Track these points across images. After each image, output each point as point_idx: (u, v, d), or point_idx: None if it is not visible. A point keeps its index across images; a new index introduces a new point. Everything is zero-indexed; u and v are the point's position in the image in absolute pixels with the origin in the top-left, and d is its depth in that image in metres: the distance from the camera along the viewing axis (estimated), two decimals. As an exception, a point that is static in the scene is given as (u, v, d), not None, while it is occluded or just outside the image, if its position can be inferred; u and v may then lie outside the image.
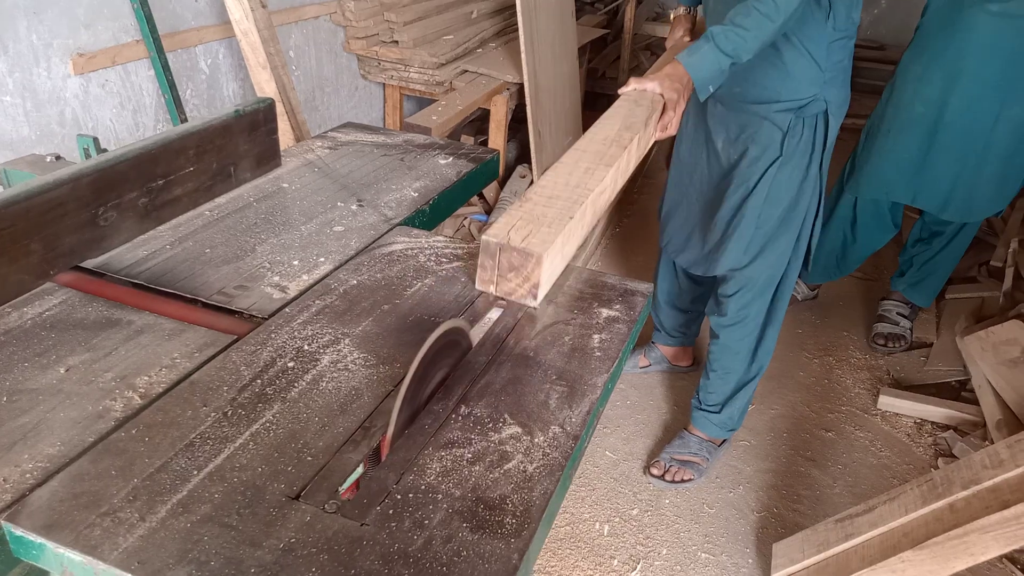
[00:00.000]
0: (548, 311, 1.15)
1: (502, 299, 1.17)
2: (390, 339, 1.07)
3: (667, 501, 2.23)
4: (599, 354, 1.06)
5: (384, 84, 3.57)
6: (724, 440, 2.37)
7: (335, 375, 0.99)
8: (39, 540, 0.75)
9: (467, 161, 1.69)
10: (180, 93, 2.50)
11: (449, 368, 1.00)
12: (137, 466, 0.83)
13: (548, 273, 1.16)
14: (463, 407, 0.94)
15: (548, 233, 1.15)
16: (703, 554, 2.08)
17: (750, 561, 2.06)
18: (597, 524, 2.14)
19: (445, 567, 0.73)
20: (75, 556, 0.74)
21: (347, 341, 1.06)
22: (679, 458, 2.28)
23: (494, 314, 1.13)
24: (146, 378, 0.97)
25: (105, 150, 1.23)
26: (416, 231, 1.37)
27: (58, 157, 1.36)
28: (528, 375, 1.01)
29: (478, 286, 1.19)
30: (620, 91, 1.75)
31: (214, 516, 0.77)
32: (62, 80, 2.21)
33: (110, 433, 0.88)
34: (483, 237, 1.14)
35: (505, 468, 0.85)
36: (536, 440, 0.90)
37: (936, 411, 2.53)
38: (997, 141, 2.45)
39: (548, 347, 1.07)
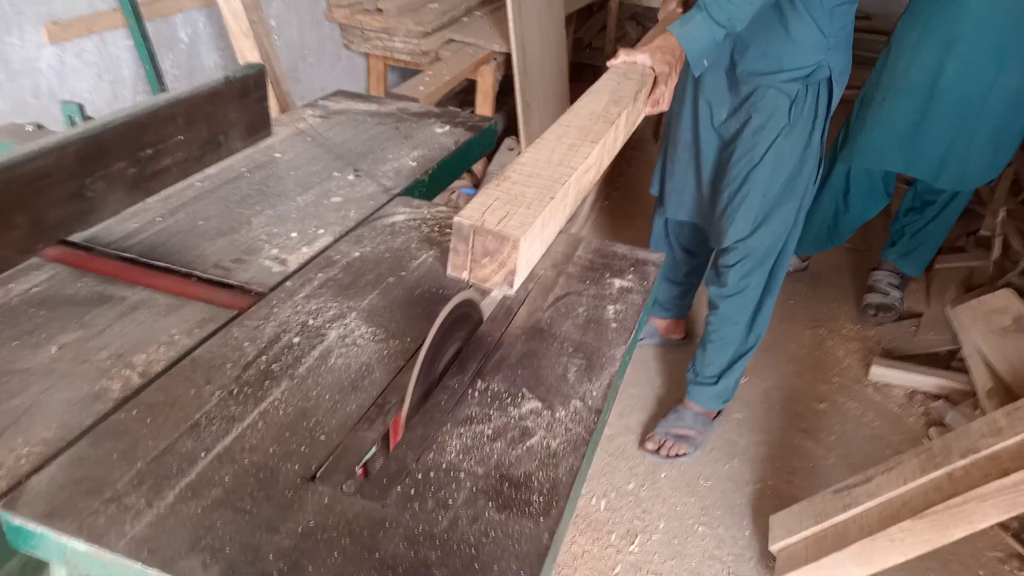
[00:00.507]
0: (560, 282, 1.12)
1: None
2: (398, 313, 1.03)
3: (663, 475, 2.23)
4: (615, 326, 1.02)
5: (368, 54, 3.48)
6: (719, 412, 2.36)
7: (344, 350, 0.95)
8: (39, 529, 0.71)
9: (464, 130, 1.64)
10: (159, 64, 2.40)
11: (461, 342, 0.97)
12: (140, 448, 0.79)
13: (526, 259, 1.07)
14: (479, 382, 0.91)
15: (526, 215, 1.06)
16: (700, 527, 2.08)
17: (747, 533, 2.06)
18: (594, 499, 2.13)
19: (473, 548, 0.70)
20: (79, 546, 0.69)
21: (353, 315, 1.01)
22: (675, 432, 2.27)
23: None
24: (144, 356, 0.92)
25: (90, 118, 1.16)
26: (417, 201, 1.33)
27: (39, 126, 1.29)
28: (544, 348, 0.97)
29: (450, 272, 1.10)
30: (609, 64, 1.67)
31: (226, 500, 0.73)
32: (36, 49, 2.11)
33: (109, 414, 0.83)
34: (456, 219, 1.05)
35: (528, 444, 0.82)
36: (557, 415, 0.86)
37: (927, 381, 2.54)
38: (991, 109, 2.44)
39: (562, 319, 1.03)
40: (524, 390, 0.90)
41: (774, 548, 1.93)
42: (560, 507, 0.74)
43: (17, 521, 0.71)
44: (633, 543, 2.02)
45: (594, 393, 0.90)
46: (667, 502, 2.14)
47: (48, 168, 1.06)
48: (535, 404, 0.88)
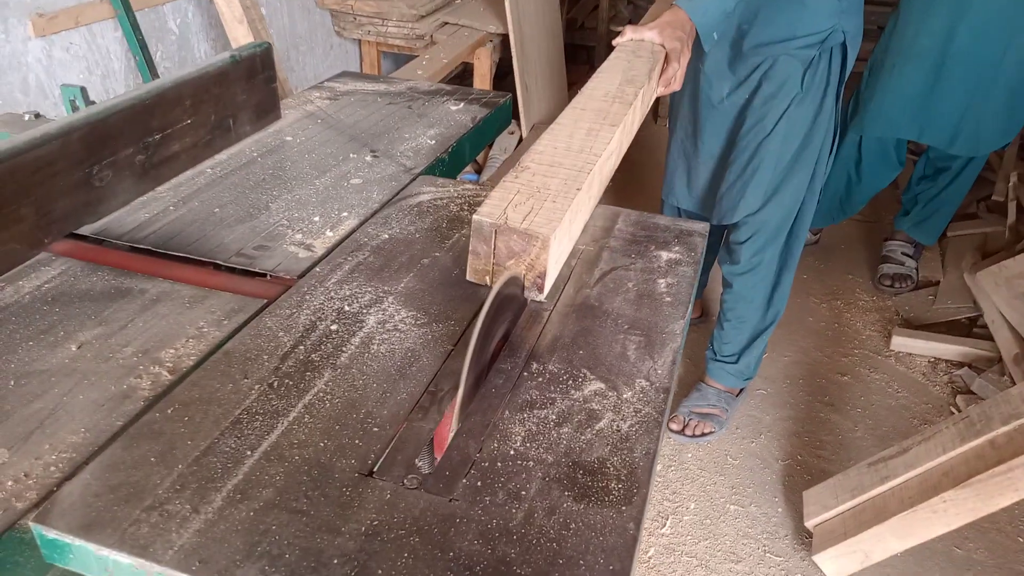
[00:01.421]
0: (603, 256, 1.05)
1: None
2: (437, 295, 0.96)
3: (689, 455, 2.18)
4: (669, 299, 0.96)
5: (360, 41, 3.40)
6: (741, 390, 2.31)
7: (385, 336, 0.88)
8: (77, 542, 0.64)
9: (480, 106, 1.57)
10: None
11: (509, 323, 0.91)
12: (179, 450, 0.72)
13: (555, 259, 0.95)
14: (534, 364, 0.85)
15: (553, 209, 0.94)
16: (732, 506, 2.03)
17: (779, 510, 2.02)
18: (621, 483, 2.08)
19: (555, 543, 0.64)
20: (123, 559, 0.63)
21: (391, 299, 0.95)
22: (698, 411, 2.22)
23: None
24: (172, 351, 0.86)
25: (93, 102, 1.09)
26: (442, 180, 1.26)
27: (37, 115, 1.22)
28: (597, 326, 0.91)
29: (470, 277, 0.95)
30: (615, 42, 1.54)
31: (279, 501, 0.67)
32: (22, 43, 2.03)
33: (141, 414, 0.77)
34: (475, 217, 0.92)
35: (597, 428, 0.76)
36: (624, 396, 0.81)
37: (950, 349, 2.49)
38: (1006, 71, 2.39)
39: (612, 295, 0.97)
40: (584, 370, 0.84)
41: (810, 524, 1.89)
42: (643, 494, 0.68)
43: (52, 534, 0.65)
44: (664, 525, 1.97)
45: (659, 371, 0.84)
46: (696, 482, 2.09)
47: (53, 155, 0.99)
48: (598, 385, 0.82)
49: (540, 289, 0.93)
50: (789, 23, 1.75)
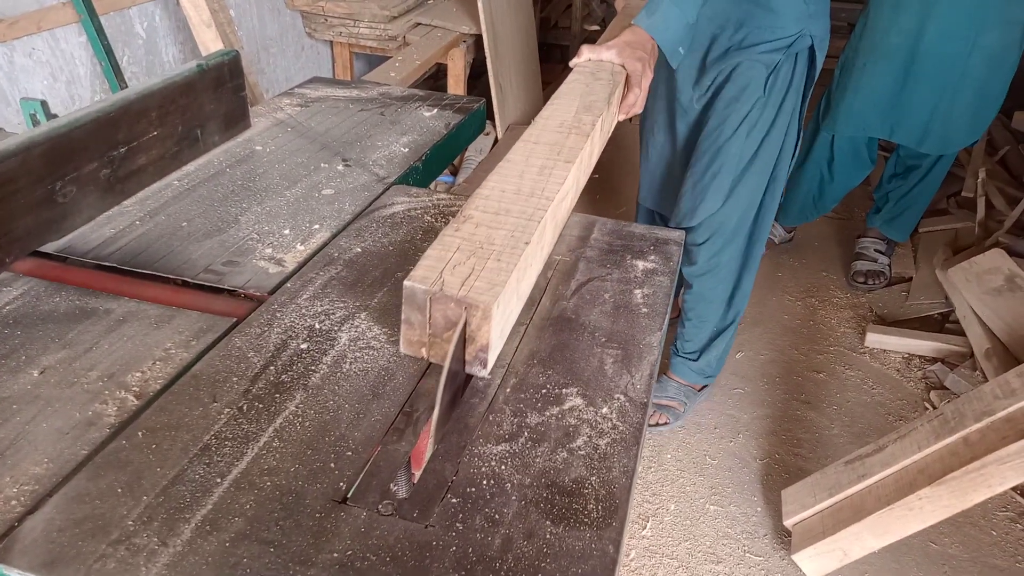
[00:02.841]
0: (580, 267, 1.05)
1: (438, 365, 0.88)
2: (411, 310, 0.95)
3: (669, 456, 2.18)
4: (646, 311, 0.96)
5: (332, 42, 3.36)
6: (705, 386, 2.33)
7: (358, 355, 0.87)
8: (40, 580, 0.62)
9: (453, 112, 1.55)
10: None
11: (485, 338, 0.89)
12: (147, 479, 0.70)
13: (499, 328, 0.85)
14: (512, 380, 0.84)
15: (497, 270, 0.84)
16: (711, 506, 2.03)
17: (759, 509, 2.03)
18: (601, 486, 2.08)
19: (534, 569, 0.63)
20: (88, 595, 0.61)
21: (364, 315, 0.94)
22: (656, 402, 2.26)
23: (521, 275, 1.02)
24: (139, 374, 0.84)
25: (55, 115, 1.06)
26: (415, 189, 1.24)
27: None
28: (574, 340, 0.91)
29: (403, 349, 0.87)
30: (572, 63, 1.45)
31: (250, 532, 0.66)
32: (-18, 49, 1.98)
33: (107, 442, 0.75)
34: (407, 283, 0.82)
35: (574, 446, 0.75)
36: (601, 412, 0.80)
37: (924, 345, 2.52)
38: (972, 70, 2.41)
39: (588, 307, 0.96)
40: (561, 386, 0.83)
41: (789, 523, 1.90)
42: (621, 514, 0.68)
43: (14, 573, 0.63)
44: (645, 527, 1.97)
45: (636, 385, 0.83)
46: (675, 483, 2.10)
47: (13, 172, 0.96)
48: (576, 401, 0.81)
49: (483, 364, 0.84)
50: (758, 28, 1.75)
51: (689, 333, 2.19)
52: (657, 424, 2.22)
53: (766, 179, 1.93)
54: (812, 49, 1.79)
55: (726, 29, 1.77)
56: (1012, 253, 2.56)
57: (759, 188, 1.94)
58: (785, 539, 1.93)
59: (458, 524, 0.67)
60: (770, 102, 1.82)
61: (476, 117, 1.59)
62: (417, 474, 0.73)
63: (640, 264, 1.05)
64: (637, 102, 1.41)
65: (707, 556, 1.90)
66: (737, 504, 2.04)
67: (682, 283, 2.60)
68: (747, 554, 1.91)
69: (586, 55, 1.43)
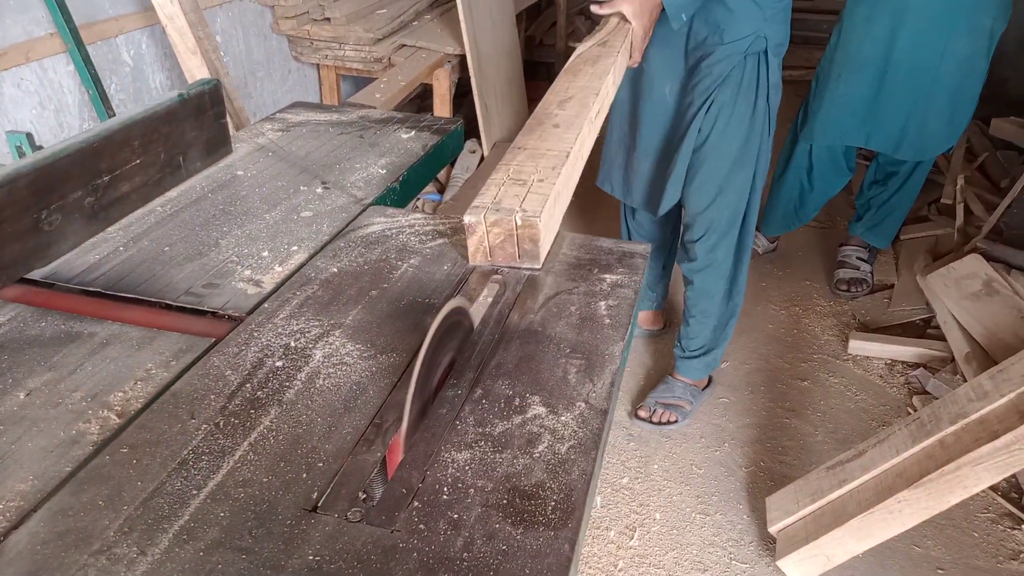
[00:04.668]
0: (548, 281, 1.08)
1: (497, 273, 1.09)
2: (385, 327, 0.99)
3: (655, 466, 2.21)
4: (609, 322, 1.00)
5: (318, 65, 3.42)
6: (708, 382, 2.40)
7: (331, 371, 0.90)
8: (24, 590, 0.66)
9: (431, 133, 1.60)
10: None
11: (455, 351, 0.93)
12: (127, 493, 0.74)
13: (547, 233, 1.11)
14: (477, 390, 0.87)
15: (540, 185, 1.11)
16: (697, 515, 2.06)
17: (744, 517, 2.06)
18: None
19: (492, 568, 0.66)
20: (69, 604, 0.64)
21: (338, 333, 0.97)
22: (664, 402, 2.33)
23: (491, 290, 1.06)
24: (121, 394, 0.87)
25: (40, 147, 1.10)
26: (392, 210, 1.28)
27: (-15, 160, 1.23)
28: (540, 351, 0.94)
29: (472, 261, 1.12)
30: (593, 8, 1.73)
31: (225, 540, 0.69)
32: (-28, 81, 2.03)
33: (90, 459, 0.78)
34: (473, 205, 1.09)
35: (535, 452, 0.79)
36: (563, 419, 0.83)
37: (905, 351, 2.56)
38: (944, 76, 2.47)
39: (555, 319, 1.00)
40: (525, 396, 0.86)
41: (773, 529, 1.93)
42: (577, 515, 0.71)
43: (-2, 585, 0.66)
44: (632, 538, 2.00)
45: (597, 393, 0.87)
46: (662, 493, 2.12)
47: (0, 203, 1.00)
48: (539, 409, 0.84)
49: (536, 258, 1.10)
50: (718, 25, 1.83)
51: (693, 331, 2.27)
52: (668, 422, 2.31)
53: (751, 175, 2.03)
54: (766, 52, 1.85)
55: (695, 23, 1.86)
56: (989, 258, 2.60)
57: (746, 184, 2.03)
58: (770, 546, 1.95)
59: (422, 528, 0.70)
60: (741, 99, 1.89)
61: (454, 138, 1.64)
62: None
63: (607, 277, 1.09)
64: (633, 55, 1.69)
65: (694, 565, 1.93)
66: (723, 512, 2.07)
67: (666, 294, 2.65)
68: (733, 562, 1.93)
69: (606, 9, 1.69)
